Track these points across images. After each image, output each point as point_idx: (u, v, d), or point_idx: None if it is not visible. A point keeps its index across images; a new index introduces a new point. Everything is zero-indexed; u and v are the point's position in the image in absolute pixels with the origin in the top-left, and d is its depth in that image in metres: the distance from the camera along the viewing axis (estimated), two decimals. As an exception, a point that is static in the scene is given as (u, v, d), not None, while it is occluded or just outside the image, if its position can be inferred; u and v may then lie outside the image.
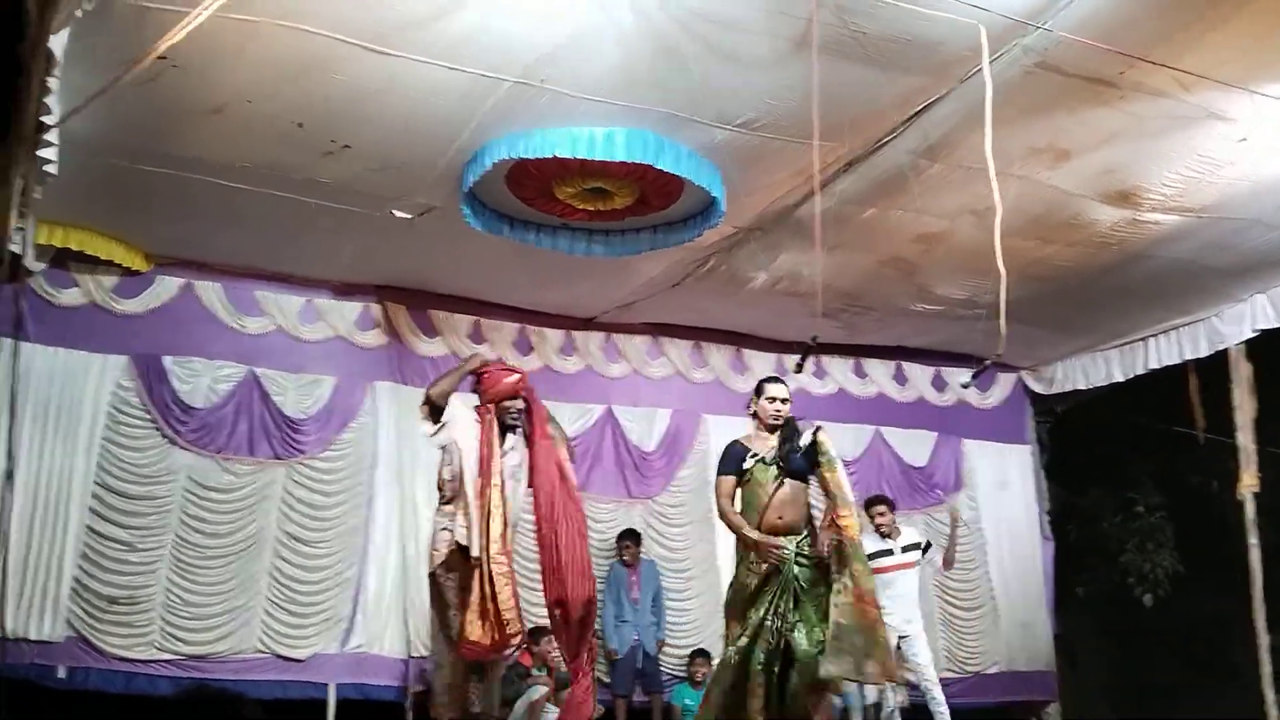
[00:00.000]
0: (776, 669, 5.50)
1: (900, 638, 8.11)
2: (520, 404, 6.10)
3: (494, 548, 5.74)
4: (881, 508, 8.59)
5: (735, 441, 5.92)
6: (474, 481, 5.87)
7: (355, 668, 8.52)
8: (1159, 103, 6.03)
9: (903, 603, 8.20)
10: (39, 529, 7.83)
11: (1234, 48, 5.50)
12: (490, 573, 5.69)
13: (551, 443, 6.20)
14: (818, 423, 5.86)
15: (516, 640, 5.96)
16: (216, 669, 8.11)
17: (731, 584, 5.88)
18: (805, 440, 5.70)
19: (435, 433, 6.05)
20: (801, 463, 5.68)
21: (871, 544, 7.77)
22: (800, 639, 5.45)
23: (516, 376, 6.16)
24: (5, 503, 5.17)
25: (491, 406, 6.05)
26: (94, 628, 7.86)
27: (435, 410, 6.03)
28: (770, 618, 5.52)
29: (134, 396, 8.33)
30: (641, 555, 9.36)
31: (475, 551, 5.75)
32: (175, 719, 7.36)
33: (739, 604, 5.70)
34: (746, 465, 5.73)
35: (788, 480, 5.65)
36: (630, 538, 9.32)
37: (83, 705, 7.72)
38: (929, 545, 8.69)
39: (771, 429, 5.81)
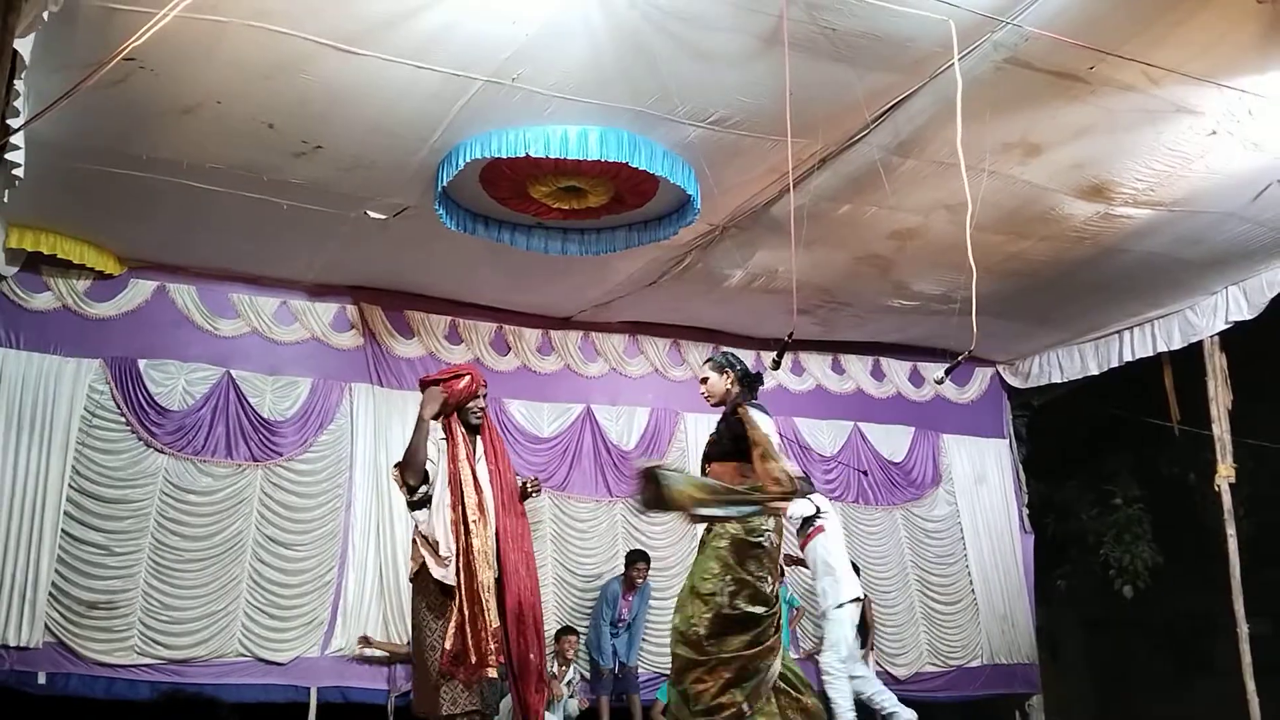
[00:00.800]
0: None
1: None
2: (483, 400, 5.94)
3: (479, 561, 5.60)
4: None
5: None
6: (449, 497, 5.69)
7: (337, 670, 8.49)
8: (1128, 97, 6.06)
9: None
10: (15, 534, 7.78)
11: (1201, 42, 5.53)
12: (476, 589, 5.56)
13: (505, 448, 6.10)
14: (737, 402, 5.55)
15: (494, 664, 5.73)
16: (197, 673, 8.08)
17: None
18: (724, 420, 5.54)
19: (419, 497, 5.72)
20: (711, 448, 5.54)
21: None
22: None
23: (468, 376, 6.03)
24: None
25: (454, 416, 5.95)
26: (73, 633, 7.81)
27: (419, 476, 5.71)
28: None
29: (109, 400, 8.30)
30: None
31: (450, 578, 5.57)
32: (152, 724, 7.30)
33: None
34: None
35: (708, 464, 5.56)
36: (644, 560, 9.21)
37: (63, 711, 7.67)
38: None
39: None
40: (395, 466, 5.74)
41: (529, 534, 5.96)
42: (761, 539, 5.22)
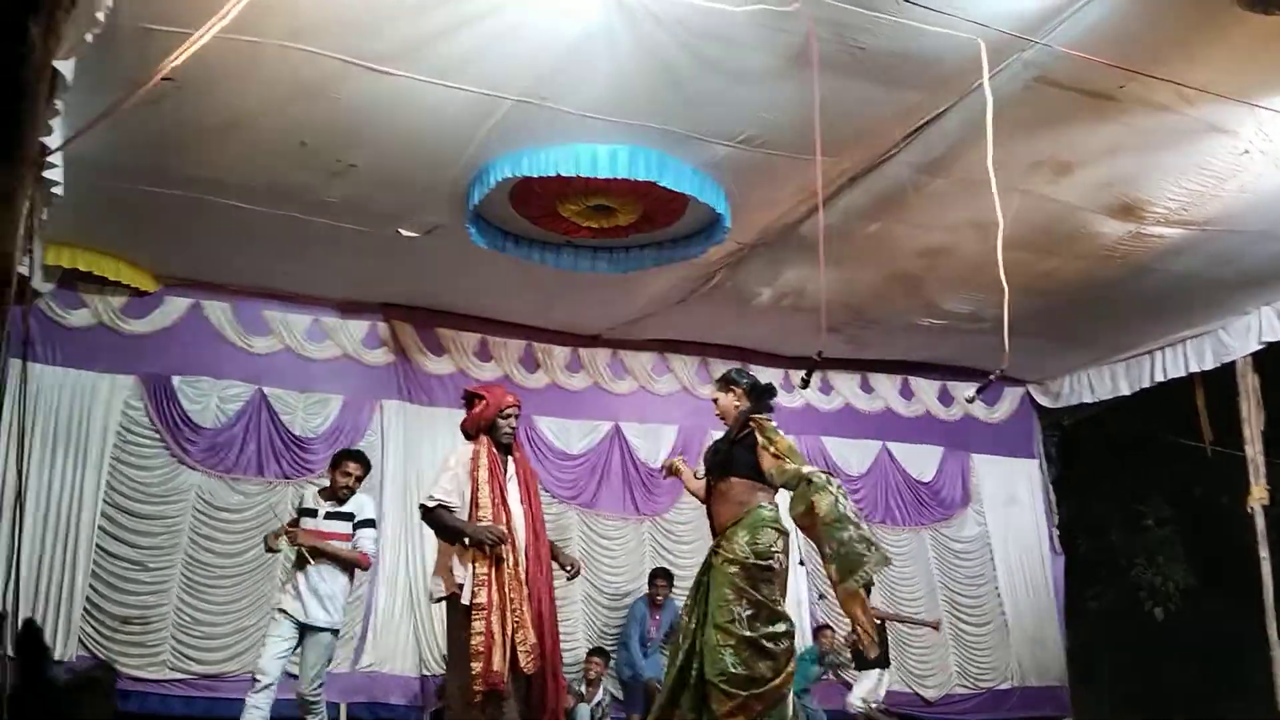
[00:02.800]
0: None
1: None
2: (514, 419, 6.04)
3: (509, 582, 5.73)
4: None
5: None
6: (490, 514, 5.83)
7: (367, 686, 8.52)
8: (1160, 116, 6.04)
9: None
10: (50, 549, 7.87)
11: (1234, 61, 5.51)
12: (505, 609, 5.67)
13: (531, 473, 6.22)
14: (750, 415, 5.56)
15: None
16: (228, 688, 8.08)
17: None
18: (731, 434, 5.57)
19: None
20: (715, 458, 5.58)
21: None
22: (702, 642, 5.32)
23: (484, 400, 6.09)
24: (16, 524, 5.18)
25: (485, 435, 6.03)
26: (107, 647, 7.88)
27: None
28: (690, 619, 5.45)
29: (143, 416, 8.38)
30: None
31: (480, 598, 5.70)
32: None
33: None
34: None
35: (709, 478, 5.58)
36: (664, 577, 9.27)
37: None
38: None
39: None
40: (422, 506, 5.92)
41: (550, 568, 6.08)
42: (771, 561, 5.24)
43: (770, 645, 5.18)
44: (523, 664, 5.67)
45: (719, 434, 9.78)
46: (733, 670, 5.13)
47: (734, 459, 5.47)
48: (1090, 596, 11.84)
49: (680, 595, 9.34)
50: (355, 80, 5.53)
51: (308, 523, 6.64)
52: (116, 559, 8.06)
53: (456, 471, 6.04)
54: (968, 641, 10.65)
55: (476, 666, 5.58)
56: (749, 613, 5.20)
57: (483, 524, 5.75)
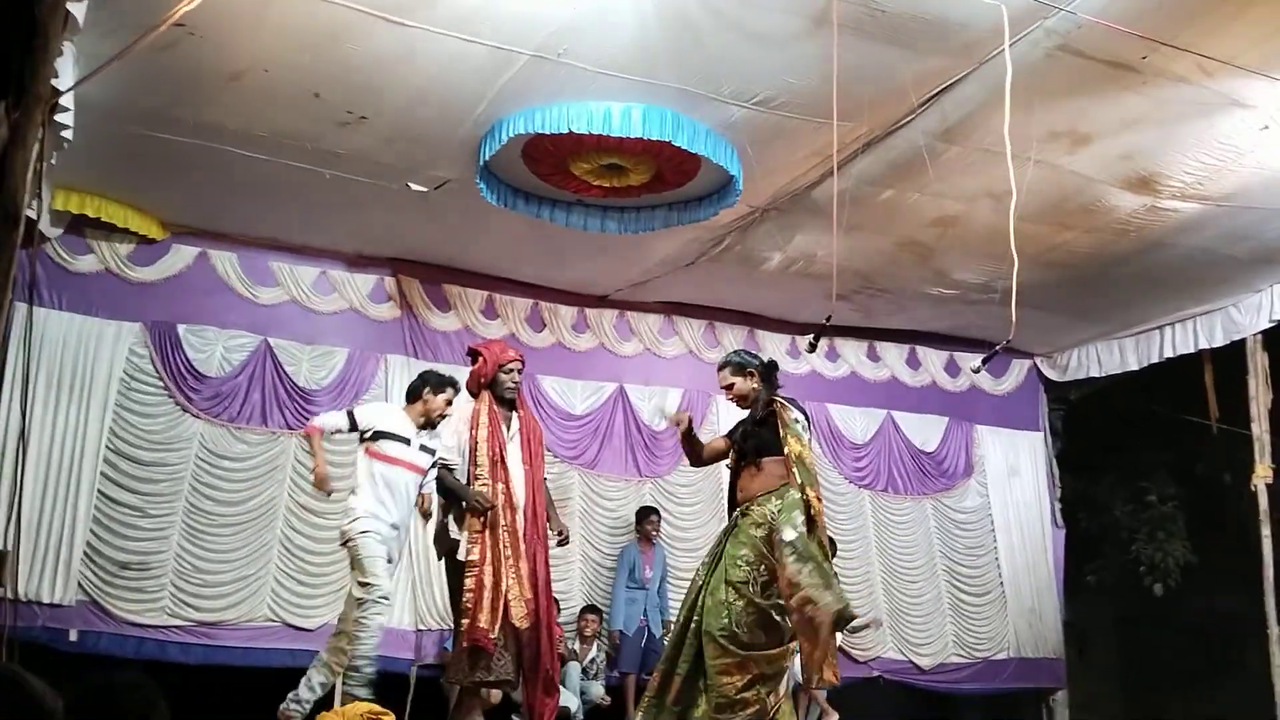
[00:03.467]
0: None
1: None
2: (517, 375, 6.11)
3: (503, 537, 5.87)
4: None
5: (738, 421, 5.90)
6: (487, 471, 5.98)
7: (363, 639, 8.54)
8: (1181, 89, 5.98)
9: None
10: (52, 493, 7.87)
11: (1256, 34, 5.45)
12: (499, 565, 5.80)
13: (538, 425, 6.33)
14: (781, 397, 5.65)
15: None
16: (227, 636, 8.17)
17: None
18: (757, 415, 5.62)
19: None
20: (746, 442, 5.60)
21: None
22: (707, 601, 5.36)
23: (481, 356, 6.15)
24: (19, 466, 5.19)
25: (487, 392, 6.06)
26: (106, 592, 7.91)
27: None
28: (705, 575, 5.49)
29: (147, 364, 8.37)
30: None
31: (473, 555, 5.84)
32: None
33: None
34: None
35: (741, 458, 5.61)
36: (655, 513, 9.37)
37: (94, 668, 7.75)
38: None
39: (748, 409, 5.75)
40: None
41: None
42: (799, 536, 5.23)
43: (778, 619, 5.22)
44: (514, 618, 5.78)
45: (723, 400, 10.02)
46: (734, 629, 5.16)
47: (764, 441, 5.52)
48: (1090, 571, 11.85)
49: (670, 538, 9.51)
50: (369, 31, 5.47)
51: (395, 448, 6.29)
52: (118, 504, 8.07)
53: (458, 428, 6.09)
54: (965, 611, 10.68)
55: (465, 621, 5.72)
56: (764, 579, 5.22)
57: (477, 490, 5.89)
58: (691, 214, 7.43)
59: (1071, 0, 5.17)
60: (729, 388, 5.72)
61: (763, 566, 5.23)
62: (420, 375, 6.63)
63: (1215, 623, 10.96)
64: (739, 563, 5.27)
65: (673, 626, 5.73)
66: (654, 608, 9.12)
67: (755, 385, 5.65)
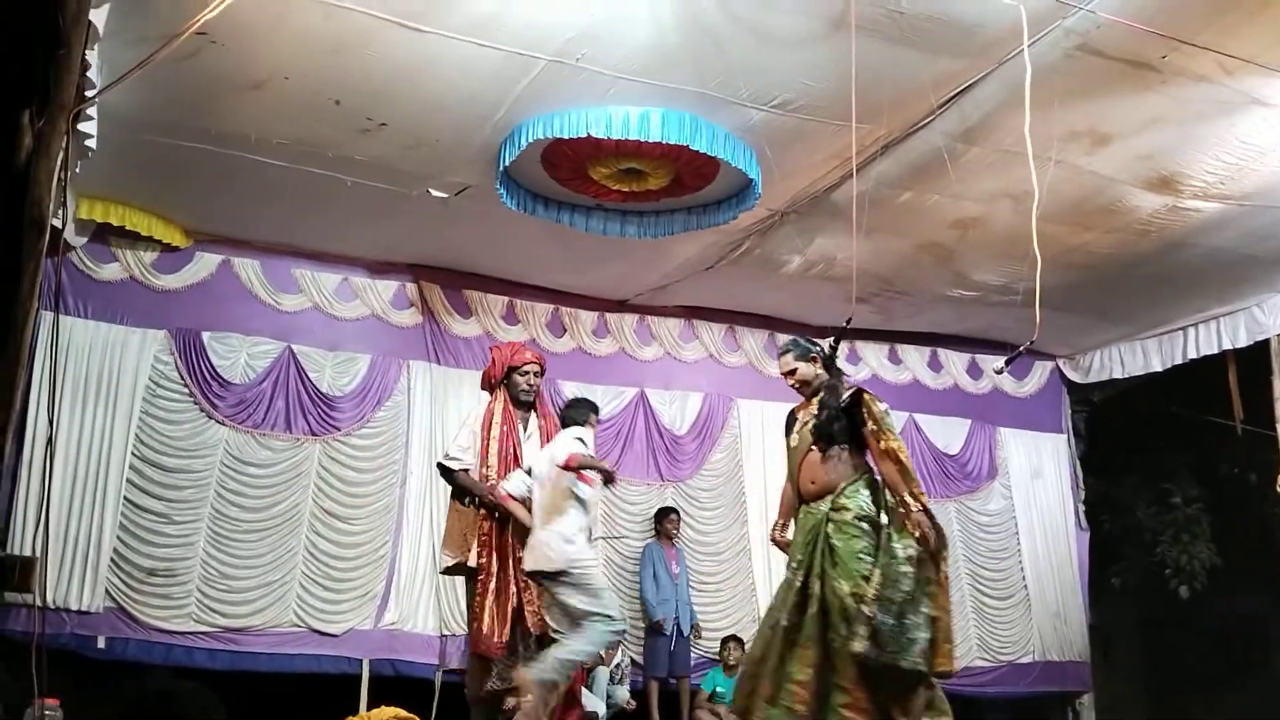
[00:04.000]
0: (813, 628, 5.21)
1: None
2: (533, 377, 6.02)
3: (515, 544, 5.78)
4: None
5: (791, 410, 5.80)
6: (497, 473, 5.89)
7: (389, 644, 8.58)
8: (1201, 88, 5.96)
9: None
10: (79, 500, 7.93)
11: (1277, 33, 5.43)
12: (508, 573, 5.74)
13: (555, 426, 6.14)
14: (858, 386, 5.56)
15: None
16: (253, 642, 8.20)
17: None
18: (839, 402, 5.45)
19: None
20: (832, 428, 5.43)
21: None
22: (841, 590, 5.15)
23: (494, 357, 6.13)
24: (46, 474, 5.23)
25: (502, 388, 6.02)
26: (133, 599, 7.95)
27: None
28: (800, 575, 5.29)
29: (172, 371, 8.42)
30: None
31: (481, 561, 5.79)
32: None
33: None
34: (793, 432, 5.60)
35: (817, 446, 5.48)
36: (675, 512, 9.43)
37: (122, 676, 7.81)
38: None
39: (809, 397, 5.67)
40: (439, 465, 5.97)
41: None
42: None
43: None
44: (529, 624, 5.69)
45: (745, 401, 10.04)
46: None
47: (844, 429, 5.39)
48: (1115, 573, 11.79)
49: (692, 541, 9.57)
50: (388, 37, 5.51)
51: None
52: (144, 511, 8.12)
53: (473, 427, 6.05)
54: (989, 614, 10.63)
55: (471, 629, 5.70)
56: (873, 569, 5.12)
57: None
58: (711, 218, 7.44)
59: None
60: (791, 373, 5.64)
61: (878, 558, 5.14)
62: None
63: (1240, 625, 10.89)
64: (859, 554, 5.14)
65: (773, 622, 5.53)
66: (684, 605, 9.14)
67: (818, 370, 5.60)
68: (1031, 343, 5.76)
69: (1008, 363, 6.29)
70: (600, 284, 9.62)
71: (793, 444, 5.55)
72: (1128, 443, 11.97)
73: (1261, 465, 9.84)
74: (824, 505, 5.28)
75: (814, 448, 5.40)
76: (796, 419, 5.62)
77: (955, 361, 11.11)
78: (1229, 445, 10.55)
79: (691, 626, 9.13)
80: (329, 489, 8.68)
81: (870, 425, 5.27)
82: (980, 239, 8.10)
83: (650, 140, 6.15)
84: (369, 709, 6.17)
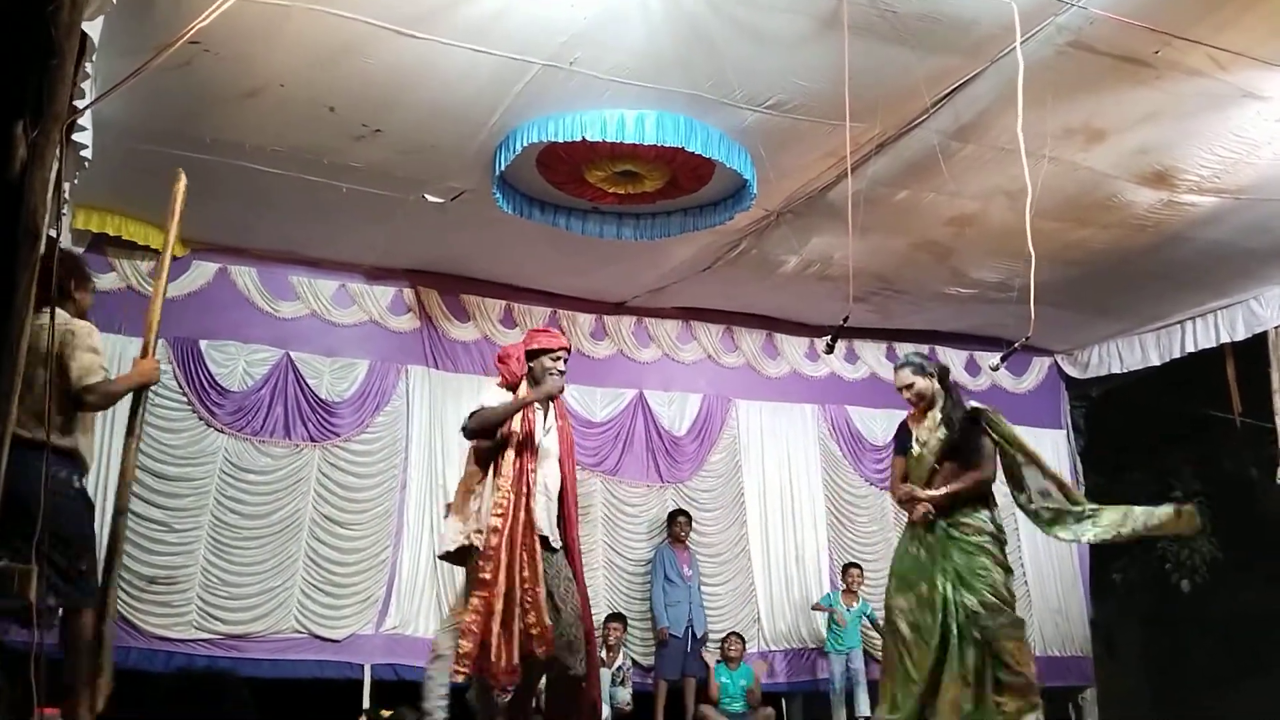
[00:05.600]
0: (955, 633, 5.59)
1: None
2: (562, 364, 5.34)
3: (523, 557, 4.94)
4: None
5: (902, 422, 6.06)
6: (511, 464, 5.11)
7: (390, 649, 8.58)
8: (1195, 82, 5.97)
9: None
10: (78, 510, 7.92)
11: (1270, 26, 5.44)
12: (521, 576, 4.90)
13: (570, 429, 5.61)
14: (977, 405, 5.92)
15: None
16: (254, 648, 8.19)
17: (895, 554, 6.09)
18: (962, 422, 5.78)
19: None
20: (964, 445, 5.72)
21: None
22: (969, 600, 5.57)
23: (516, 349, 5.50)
24: (44, 483, 5.22)
25: (524, 374, 5.35)
26: (134, 608, 7.94)
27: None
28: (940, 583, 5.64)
29: (171, 379, 8.41)
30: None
31: (485, 574, 4.92)
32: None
33: (900, 574, 5.89)
34: (913, 448, 5.85)
35: (946, 463, 5.73)
36: (685, 515, 9.46)
37: (123, 684, 7.79)
38: None
39: (923, 412, 5.86)
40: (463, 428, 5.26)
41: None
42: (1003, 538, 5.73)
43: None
44: (535, 649, 4.87)
45: (743, 402, 10.05)
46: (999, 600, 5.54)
47: (970, 449, 5.73)
48: (1116, 569, 11.78)
49: (692, 542, 9.54)
50: (383, 44, 5.52)
51: None
52: (144, 520, 8.10)
53: (499, 393, 5.35)
54: (991, 611, 10.61)
55: (465, 644, 4.84)
56: (1002, 575, 5.61)
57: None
58: (707, 219, 7.45)
59: (1082, -4, 5.18)
60: (908, 387, 5.86)
61: (999, 567, 5.60)
62: None
63: (1243, 619, 10.88)
64: (980, 571, 5.57)
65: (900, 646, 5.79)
66: (698, 606, 9.16)
67: (935, 386, 5.83)
68: (1027, 339, 5.83)
69: (1003, 359, 6.35)
70: (598, 286, 9.63)
71: (914, 455, 5.83)
72: (1127, 438, 11.96)
73: (1261, 459, 9.84)
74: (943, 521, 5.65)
75: (939, 464, 5.70)
76: (911, 432, 5.89)
77: (953, 359, 11.07)
78: (1228, 439, 10.54)
79: (704, 633, 9.15)
80: (329, 494, 8.69)
81: (996, 438, 5.73)
82: (976, 236, 8.10)
83: (645, 143, 6.16)
84: (372, 713, 6.11)
